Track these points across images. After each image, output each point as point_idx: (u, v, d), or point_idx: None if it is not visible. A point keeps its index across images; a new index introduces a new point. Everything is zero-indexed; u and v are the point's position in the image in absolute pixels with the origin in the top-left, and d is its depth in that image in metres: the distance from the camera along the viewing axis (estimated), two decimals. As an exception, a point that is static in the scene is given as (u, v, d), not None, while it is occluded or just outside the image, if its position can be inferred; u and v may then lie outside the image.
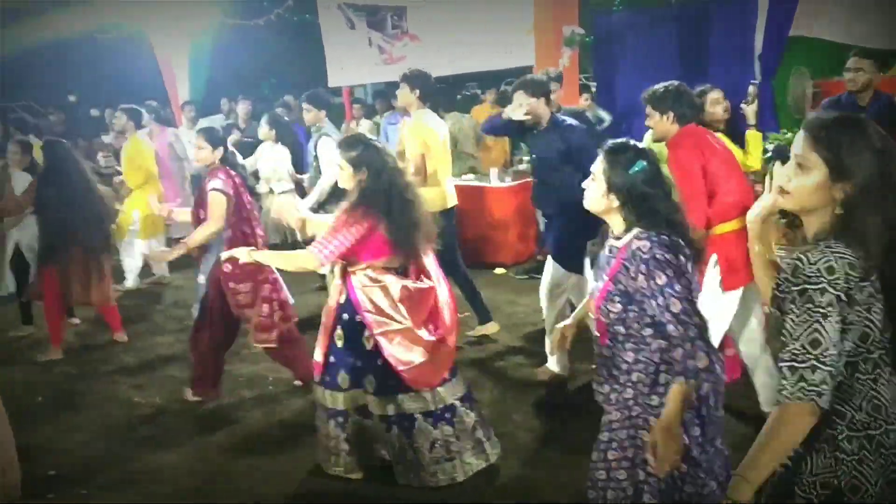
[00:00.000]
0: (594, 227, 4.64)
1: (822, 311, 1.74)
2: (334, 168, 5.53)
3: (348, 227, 3.36)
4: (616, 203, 2.50)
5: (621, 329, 2.51)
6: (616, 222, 2.56)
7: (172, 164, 8.38)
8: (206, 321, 4.63)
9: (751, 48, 6.97)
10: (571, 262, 4.54)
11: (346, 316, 3.52)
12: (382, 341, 3.44)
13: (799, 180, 1.86)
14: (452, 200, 5.60)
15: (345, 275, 3.54)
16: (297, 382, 4.87)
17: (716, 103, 4.68)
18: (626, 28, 9.58)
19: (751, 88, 5.96)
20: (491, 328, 5.68)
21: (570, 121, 4.78)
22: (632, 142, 2.56)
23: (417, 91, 5.36)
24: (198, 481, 3.90)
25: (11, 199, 5.82)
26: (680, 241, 2.43)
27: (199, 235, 4.48)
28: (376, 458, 3.82)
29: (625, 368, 2.53)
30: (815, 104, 6.93)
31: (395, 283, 3.47)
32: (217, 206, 4.43)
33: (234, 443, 4.30)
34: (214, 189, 4.43)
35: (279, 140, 6.19)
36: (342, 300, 3.54)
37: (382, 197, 3.39)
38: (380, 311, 3.45)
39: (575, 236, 4.54)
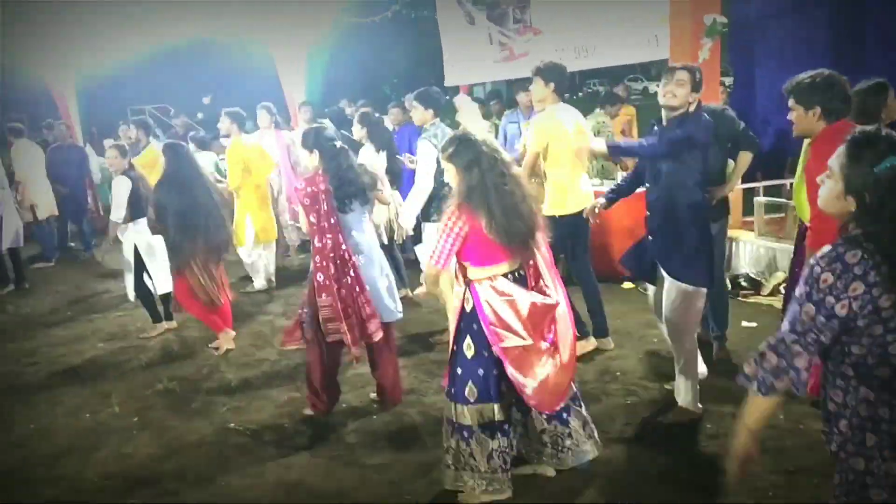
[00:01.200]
0: (708, 233, 4.19)
1: None
2: (425, 174, 5.33)
3: (447, 226, 3.31)
4: (853, 207, 2.01)
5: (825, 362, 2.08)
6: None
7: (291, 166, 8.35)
8: (312, 332, 4.45)
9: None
10: (699, 275, 4.07)
11: (475, 326, 3.41)
12: (504, 357, 3.33)
13: None
14: (584, 202, 5.05)
15: (468, 283, 3.42)
16: (373, 395, 4.77)
17: None
18: (768, 15, 8.82)
19: None
20: (606, 343, 5.45)
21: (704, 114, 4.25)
22: (885, 131, 2.02)
23: (552, 85, 5.02)
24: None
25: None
26: (871, 267, 1.89)
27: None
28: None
29: (833, 411, 2.08)
30: None
31: (524, 299, 3.34)
32: (301, 217, 4.44)
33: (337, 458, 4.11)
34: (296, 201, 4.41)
35: (370, 139, 6.14)
36: (468, 308, 3.42)
37: (478, 191, 3.27)
38: (505, 326, 3.32)
39: (699, 248, 4.09)
